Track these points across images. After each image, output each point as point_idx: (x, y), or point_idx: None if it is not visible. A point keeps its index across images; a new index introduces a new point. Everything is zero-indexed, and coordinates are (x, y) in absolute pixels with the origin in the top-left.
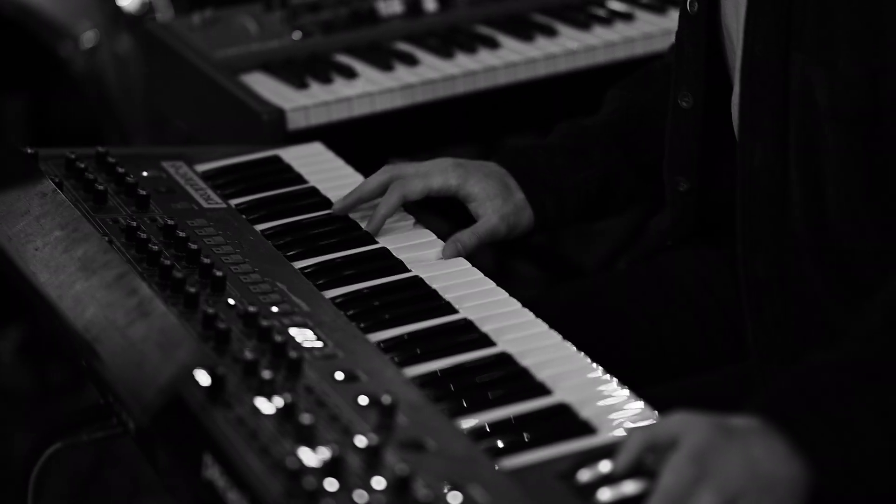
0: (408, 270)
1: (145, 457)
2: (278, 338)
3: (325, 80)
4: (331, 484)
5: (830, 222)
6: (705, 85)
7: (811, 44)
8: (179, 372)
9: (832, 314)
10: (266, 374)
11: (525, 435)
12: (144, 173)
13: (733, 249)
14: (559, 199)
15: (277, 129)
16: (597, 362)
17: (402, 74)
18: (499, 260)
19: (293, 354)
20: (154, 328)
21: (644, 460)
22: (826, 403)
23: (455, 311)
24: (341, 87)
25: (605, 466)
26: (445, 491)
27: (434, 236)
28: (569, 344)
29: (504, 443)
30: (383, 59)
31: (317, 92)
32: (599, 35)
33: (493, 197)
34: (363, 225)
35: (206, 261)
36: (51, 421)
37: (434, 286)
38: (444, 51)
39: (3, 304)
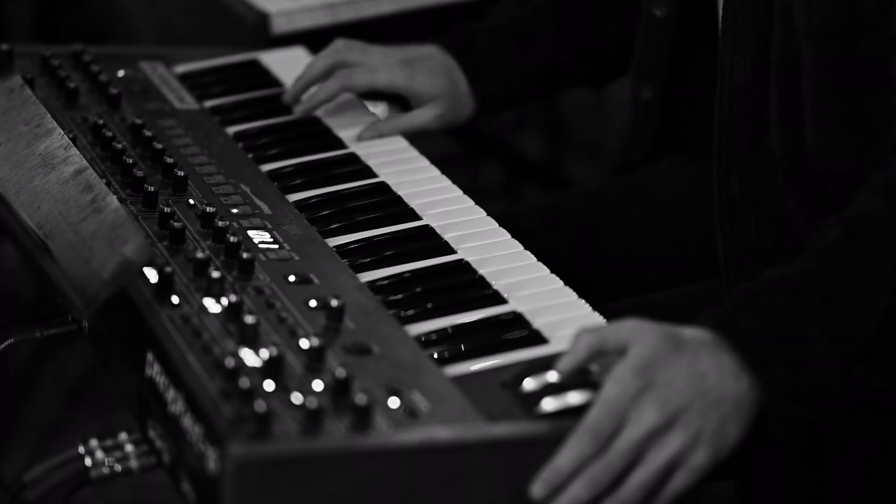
0: (375, 176)
1: (98, 356)
2: (232, 238)
3: None
4: (268, 385)
5: (806, 143)
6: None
7: None
8: (124, 267)
9: (803, 236)
10: (215, 274)
11: (474, 343)
12: (120, 73)
13: (708, 165)
14: (504, 87)
15: (261, 33)
16: (566, 275)
17: None
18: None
19: (246, 255)
20: (105, 224)
21: (589, 370)
22: (779, 321)
23: (419, 218)
24: None
25: (552, 376)
26: (384, 395)
27: (406, 142)
28: (528, 254)
29: (452, 351)
30: None
31: None
32: None
33: (435, 97)
34: (328, 122)
35: (169, 160)
36: (3, 317)
37: (399, 193)
38: None
39: None
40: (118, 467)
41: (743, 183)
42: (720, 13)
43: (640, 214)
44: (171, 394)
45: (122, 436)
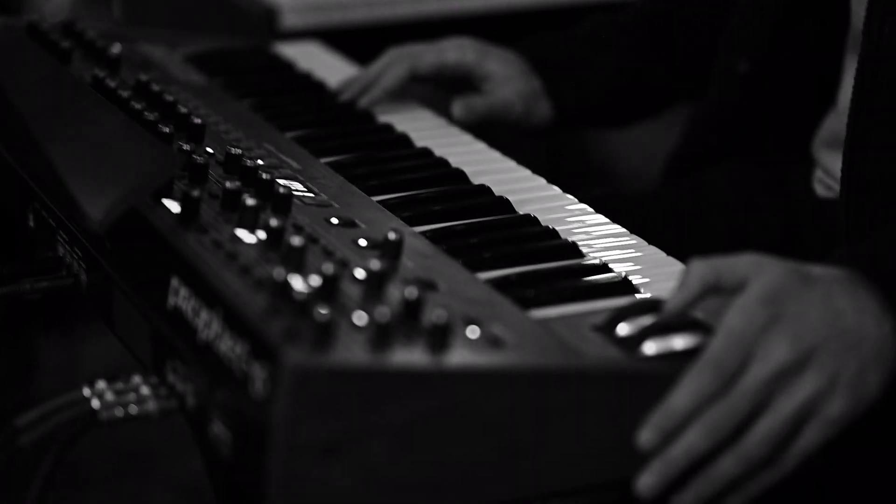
0: (412, 143)
1: (98, 311)
2: (265, 175)
3: None
4: (323, 308)
5: None
6: None
7: None
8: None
9: None
10: (250, 202)
11: (555, 288)
12: (116, 47)
13: (785, 166)
14: (579, 87)
15: (267, 28)
16: None
17: None
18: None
19: (282, 190)
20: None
21: (695, 312)
22: None
23: (468, 181)
24: None
25: (648, 321)
26: (461, 324)
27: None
28: (603, 217)
29: (530, 294)
30: None
31: None
32: None
33: (510, 78)
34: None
35: (183, 110)
36: None
37: (445, 158)
38: None
39: None
40: (134, 409)
41: (881, 165)
42: None
43: (703, 218)
44: (202, 318)
45: (136, 378)
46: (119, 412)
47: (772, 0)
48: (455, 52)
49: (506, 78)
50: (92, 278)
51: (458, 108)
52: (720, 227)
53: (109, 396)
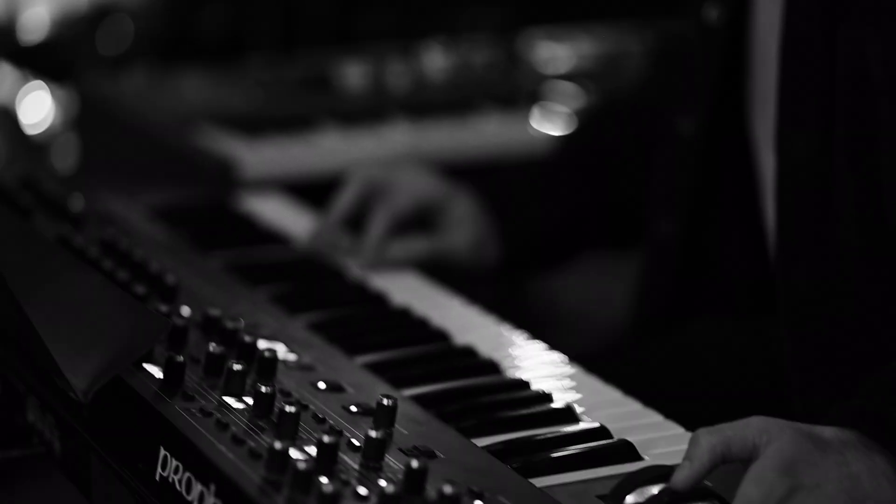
0: (388, 302)
1: (72, 481)
2: (247, 338)
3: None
4: (323, 480)
5: (886, 226)
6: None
7: (861, 13)
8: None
9: (887, 338)
10: (236, 367)
11: (556, 455)
12: (77, 200)
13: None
14: (526, 229)
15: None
16: None
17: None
18: None
19: (267, 353)
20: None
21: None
22: None
23: (447, 337)
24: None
25: (655, 490)
26: (467, 498)
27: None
28: (596, 379)
29: (530, 462)
30: None
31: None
32: None
33: (462, 222)
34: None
35: (154, 269)
36: None
37: (423, 315)
38: None
39: None
40: None
41: (811, 278)
42: (776, 82)
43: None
44: (195, 491)
45: None
46: None
47: (687, 159)
48: (426, 189)
49: (463, 221)
50: (67, 446)
51: (396, 249)
52: (698, 381)
53: None
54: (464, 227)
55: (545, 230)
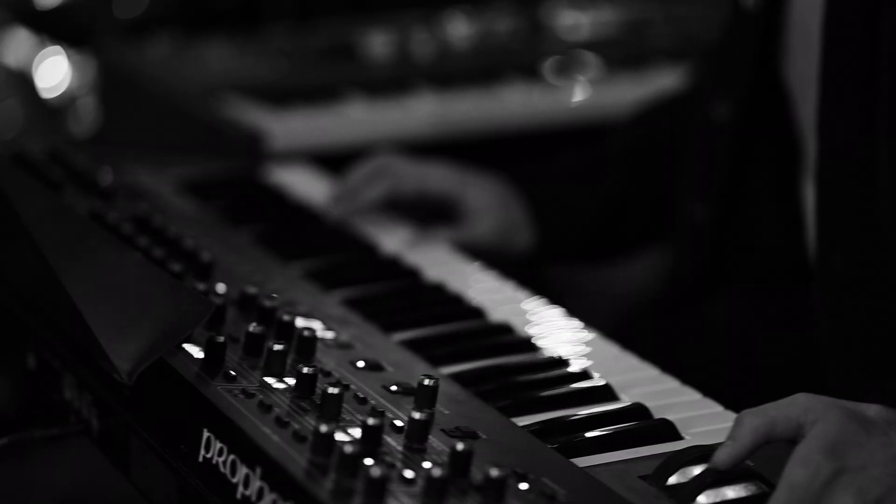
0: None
1: (110, 459)
2: (285, 317)
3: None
4: (368, 461)
5: None
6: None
7: None
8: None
9: None
10: (277, 347)
11: (597, 434)
12: (107, 174)
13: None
14: (565, 214)
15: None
16: None
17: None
18: None
19: (306, 332)
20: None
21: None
22: None
23: (482, 315)
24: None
25: (698, 471)
26: (512, 479)
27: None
28: (632, 355)
29: (571, 441)
30: None
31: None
32: None
33: (487, 210)
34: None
35: (188, 246)
36: None
37: (458, 291)
38: None
39: None
40: None
41: (850, 261)
42: (818, 66)
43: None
44: (240, 473)
45: None
46: None
47: (723, 146)
48: (437, 180)
49: (484, 210)
50: (105, 424)
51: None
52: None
53: None
54: (485, 216)
55: (585, 220)
